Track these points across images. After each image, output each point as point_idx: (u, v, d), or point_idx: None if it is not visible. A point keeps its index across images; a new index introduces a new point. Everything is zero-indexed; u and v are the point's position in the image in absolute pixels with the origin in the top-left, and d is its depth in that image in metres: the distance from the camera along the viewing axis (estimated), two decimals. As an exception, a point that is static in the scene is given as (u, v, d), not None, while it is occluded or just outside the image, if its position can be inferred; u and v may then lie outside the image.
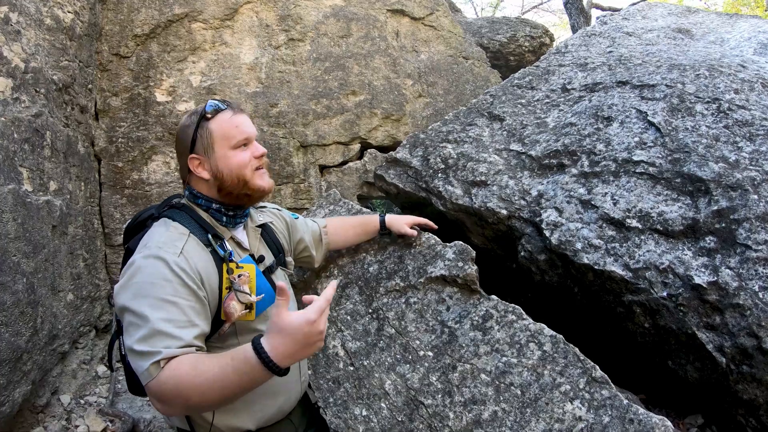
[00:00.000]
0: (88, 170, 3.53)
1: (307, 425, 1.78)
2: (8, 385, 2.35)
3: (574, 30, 8.31)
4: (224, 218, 1.50)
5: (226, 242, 1.45)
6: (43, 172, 2.80)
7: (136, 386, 1.47)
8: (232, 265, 1.40)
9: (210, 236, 1.42)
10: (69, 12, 3.27)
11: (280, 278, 1.66)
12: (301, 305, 1.17)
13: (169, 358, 1.17)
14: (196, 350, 1.23)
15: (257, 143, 1.51)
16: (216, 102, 1.48)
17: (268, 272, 1.58)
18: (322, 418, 1.90)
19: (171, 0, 3.97)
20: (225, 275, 1.38)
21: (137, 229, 1.48)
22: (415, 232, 2.15)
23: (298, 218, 1.95)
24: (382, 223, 2.13)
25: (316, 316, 1.12)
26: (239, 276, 1.39)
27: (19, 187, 2.52)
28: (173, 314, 1.22)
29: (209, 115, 1.45)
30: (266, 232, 1.69)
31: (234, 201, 1.49)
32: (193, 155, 1.45)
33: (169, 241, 1.33)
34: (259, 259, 1.55)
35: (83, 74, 3.50)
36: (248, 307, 1.40)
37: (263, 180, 1.50)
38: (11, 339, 2.33)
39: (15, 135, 2.55)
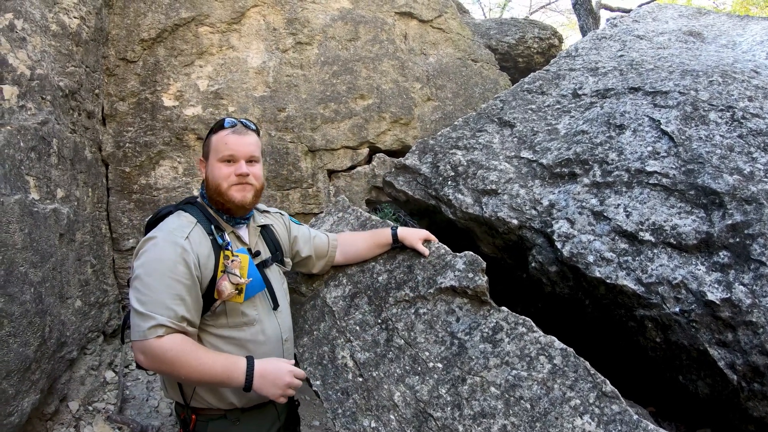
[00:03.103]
0: (95, 176, 3.53)
1: (287, 414, 2.01)
2: (17, 395, 2.35)
3: (583, 31, 8.24)
4: (224, 216, 1.80)
5: (226, 234, 1.75)
6: (50, 180, 2.79)
7: None
8: (228, 253, 1.69)
9: (213, 227, 1.73)
10: (75, 17, 3.26)
11: (275, 273, 1.92)
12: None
13: (173, 331, 1.53)
14: (187, 325, 1.58)
15: (245, 164, 1.75)
16: (229, 119, 1.78)
17: (263, 266, 1.85)
18: (296, 411, 2.12)
19: (178, 4, 3.96)
20: (221, 260, 1.67)
21: (157, 223, 1.75)
22: (427, 251, 2.16)
23: (301, 225, 2.17)
24: (395, 236, 2.17)
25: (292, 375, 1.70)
26: (232, 261, 1.68)
27: (26, 197, 2.51)
28: (171, 289, 1.56)
29: (216, 129, 1.78)
30: (266, 232, 1.97)
31: (214, 204, 1.79)
32: (201, 157, 1.85)
33: (179, 227, 1.67)
34: (255, 254, 1.83)
35: (90, 79, 3.50)
36: (238, 289, 1.69)
37: (238, 194, 1.75)
38: (19, 349, 2.33)
39: (21, 144, 2.54)
